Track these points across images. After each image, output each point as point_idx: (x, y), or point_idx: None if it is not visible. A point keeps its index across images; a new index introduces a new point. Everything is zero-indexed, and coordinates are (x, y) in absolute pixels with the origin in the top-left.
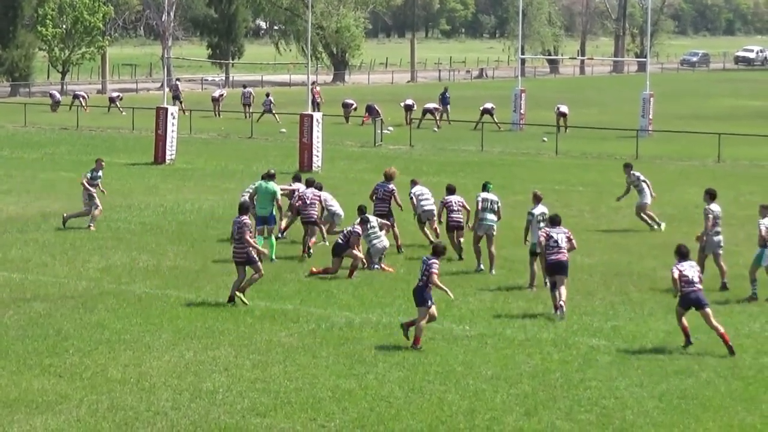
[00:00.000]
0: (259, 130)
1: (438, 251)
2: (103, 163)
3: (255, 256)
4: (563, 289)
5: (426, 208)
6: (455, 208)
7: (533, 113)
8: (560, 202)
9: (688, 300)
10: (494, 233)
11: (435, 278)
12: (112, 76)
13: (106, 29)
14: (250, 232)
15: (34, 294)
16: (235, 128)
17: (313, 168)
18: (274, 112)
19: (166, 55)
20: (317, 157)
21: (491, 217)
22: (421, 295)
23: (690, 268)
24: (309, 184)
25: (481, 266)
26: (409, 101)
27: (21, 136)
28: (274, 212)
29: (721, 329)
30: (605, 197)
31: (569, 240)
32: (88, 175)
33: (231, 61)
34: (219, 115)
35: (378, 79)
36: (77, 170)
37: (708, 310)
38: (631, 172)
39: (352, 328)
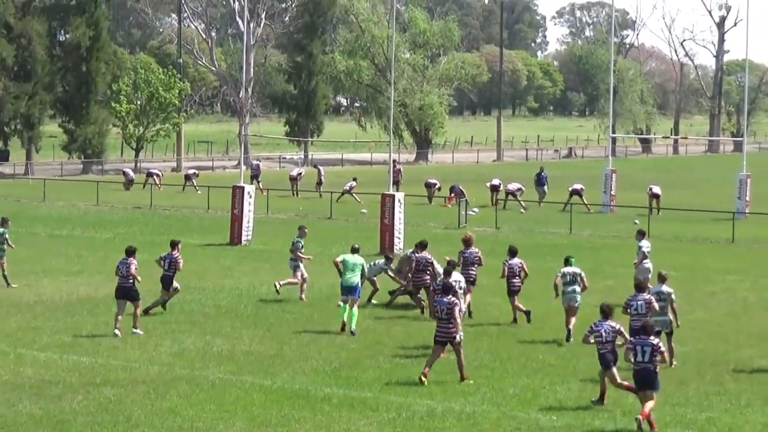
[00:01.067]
0: (338, 210)
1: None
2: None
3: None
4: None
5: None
6: (516, 272)
7: (624, 194)
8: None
9: None
10: (577, 305)
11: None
12: (188, 154)
13: (181, 105)
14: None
15: (104, 378)
16: (313, 208)
17: (395, 250)
18: (353, 192)
19: (243, 132)
20: (398, 239)
21: (576, 288)
22: (653, 379)
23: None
24: (423, 247)
25: (567, 331)
26: (496, 181)
27: (93, 215)
28: (359, 285)
29: None
30: (699, 282)
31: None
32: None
33: (310, 139)
34: (297, 194)
35: (462, 158)
36: (151, 251)
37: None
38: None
39: (433, 418)
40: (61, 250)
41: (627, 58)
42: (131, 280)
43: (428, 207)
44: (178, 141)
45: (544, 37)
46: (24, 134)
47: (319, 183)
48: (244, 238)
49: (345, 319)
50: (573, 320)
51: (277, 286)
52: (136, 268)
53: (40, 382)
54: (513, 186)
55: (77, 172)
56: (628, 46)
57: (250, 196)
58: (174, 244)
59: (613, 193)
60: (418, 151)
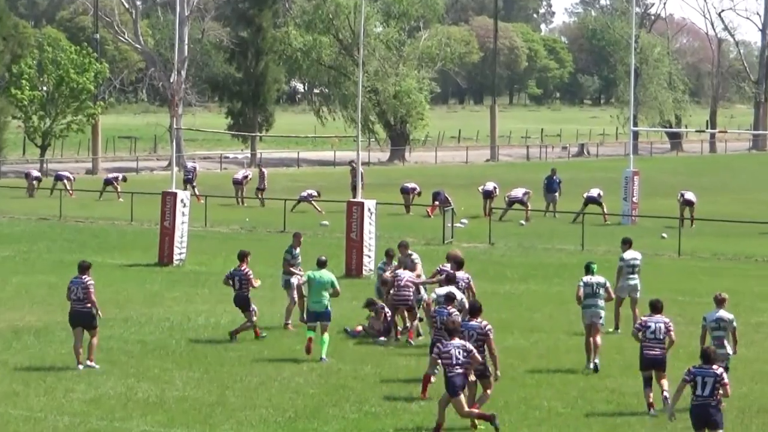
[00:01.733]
0: (294, 222)
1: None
2: None
3: None
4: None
5: None
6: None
7: (649, 202)
8: (684, 317)
9: None
10: (601, 322)
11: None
12: (106, 153)
13: (98, 92)
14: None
15: None
16: (263, 219)
17: (364, 273)
18: (312, 200)
19: (174, 126)
20: (369, 257)
21: (599, 303)
22: (715, 417)
23: None
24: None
25: (591, 364)
26: (489, 186)
27: None
28: (329, 306)
29: None
30: (742, 311)
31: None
32: None
33: (258, 134)
34: (243, 202)
35: (448, 157)
36: (61, 273)
37: None
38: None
39: None
40: None
41: (652, 33)
42: (89, 304)
43: (405, 218)
44: (94, 137)
45: (549, 6)
46: None
47: (261, 188)
48: (176, 257)
49: (311, 336)
50: (598, 341)
51: (290, 327)
52: (90, 289)
53: None
54: (518, 192)
55: None
56: (653, 17)
57: (184, 205)
58: (243, 256)
59: (635, 200)
60: (393, 148)
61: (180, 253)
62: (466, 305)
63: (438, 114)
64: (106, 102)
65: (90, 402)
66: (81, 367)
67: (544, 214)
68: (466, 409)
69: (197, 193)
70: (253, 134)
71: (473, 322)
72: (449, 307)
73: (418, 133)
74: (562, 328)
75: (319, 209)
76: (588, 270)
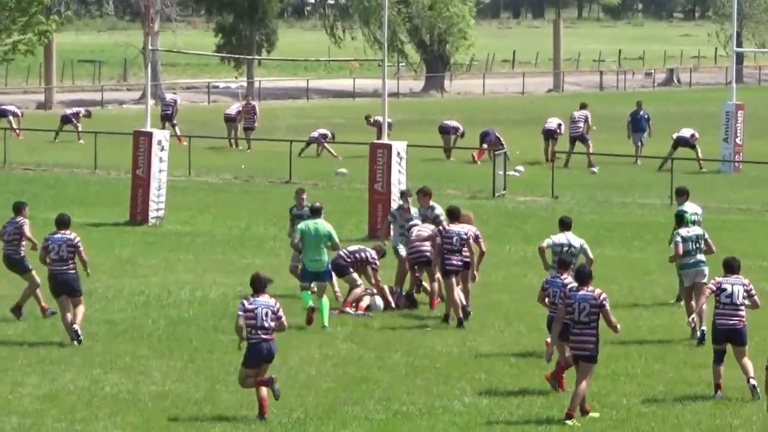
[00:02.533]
0: (301, 169)
1: None
2: None
3: None
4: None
5: None
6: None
7: (756, 143)
8: None
9: None
10: (704, 281)
11: None
12: (63, 81)
13: (52, 4)
14: None
15: None
16: (262, 166)
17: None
18: (326, 143)
19: (150, 47)
20: None
21: (701, 258)
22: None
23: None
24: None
25: (698, 333)
26: (552, 123)
27: None
28: (328, 264)
29: None
30: None
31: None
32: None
33: (256, 56)
34: (236, 144)
35: (499, 86)
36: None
37: None
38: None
39: None
40: None
41: None
42: (72, 266)
43: (445, 164)
44: (47, 61)
45: None
46: None
47: (250, 128)
48: (152, 213)
49: (312, 305)
50: (704, 305)
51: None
52: (79, 247)
53: None
54: (685, 133)
55: None
56: None
57: (162, 149)
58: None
59: (738, 141)
60: (429, 75)
61: (157, 210)
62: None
63: (487, 31)
64: (62, 16)
65: (44, 398)
66: (76, 343)
67: (636, 161)
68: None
69: (178, 133)
70: (250, 57)
71: (584, 292)
72: (564, 274)
73: (460, 56)
74: (644, 302)
75: (335, 153)
76: (682, 221)
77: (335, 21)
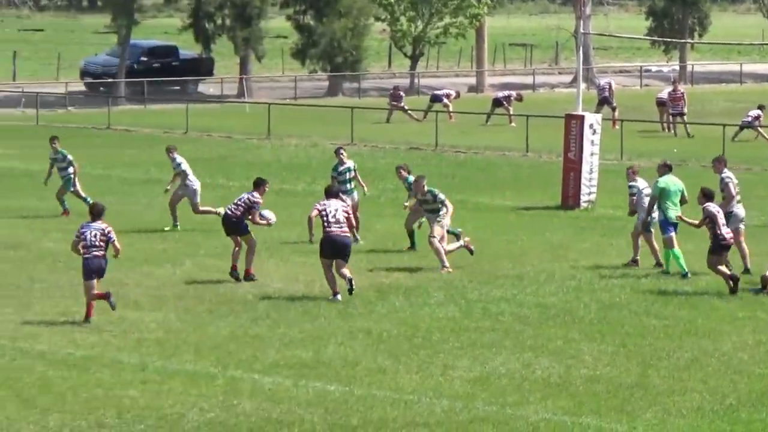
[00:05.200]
0: (734, 155)
1: None
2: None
3: None
4: None
5: None
6: None
7: None
8: None
9: None
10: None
11: None
12: (494, 65)
13: None
14: None
15: (364, 419)
16: (695, 151)
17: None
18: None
19: (581, 30)
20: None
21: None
22: None
23: None
24: None
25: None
26: None
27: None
28: None
29: None
30: None
31: None
32: None
33: (685, 40)
34: (670, 128)
35: None
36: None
37: None
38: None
39: None
40: (293, 215)
41: None
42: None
43: None
44: (478, 44)
45: None
46: (237, 34)
47: (678, 113)
48: (584, 197)
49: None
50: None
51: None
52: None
53: (264, 422)
54: None
55: (320, 93)
56: None
57: (594, 132)
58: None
59: None
60: None
61: (589, 194)
62: None
63: None
64: (493, 0)
65: (475, 382)
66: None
67: None
68: None
69: (616, 116)
70: (680, 41)
71: None
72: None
73: None
74: None
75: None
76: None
77: None
